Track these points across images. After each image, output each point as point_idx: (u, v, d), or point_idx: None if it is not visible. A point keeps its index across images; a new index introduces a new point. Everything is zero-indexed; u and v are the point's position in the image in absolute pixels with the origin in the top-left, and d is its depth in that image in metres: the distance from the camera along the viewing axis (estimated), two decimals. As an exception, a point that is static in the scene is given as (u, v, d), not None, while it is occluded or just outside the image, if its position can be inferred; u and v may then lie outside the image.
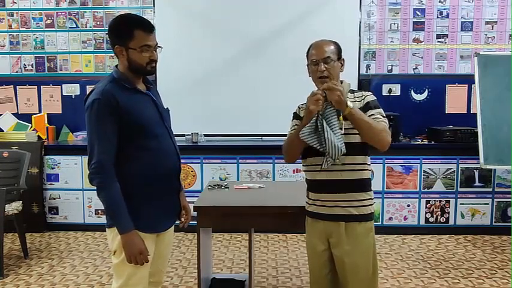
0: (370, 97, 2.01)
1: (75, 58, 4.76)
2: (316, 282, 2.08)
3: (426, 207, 4.31)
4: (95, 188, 1.79)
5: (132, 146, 1.83)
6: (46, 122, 4.72)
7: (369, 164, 2.04)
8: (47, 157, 4.43)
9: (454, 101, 4.62)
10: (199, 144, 4.43)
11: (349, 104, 1.85)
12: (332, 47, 1.98)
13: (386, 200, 4.32)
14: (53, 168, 4.44)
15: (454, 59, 4.60)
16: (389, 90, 4.61)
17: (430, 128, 4.47)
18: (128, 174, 1.82)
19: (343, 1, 4.50)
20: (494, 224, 4.30)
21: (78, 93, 4.74)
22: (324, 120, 1.88)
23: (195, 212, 2.38)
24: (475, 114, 3.85)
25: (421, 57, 4.62)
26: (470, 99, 4.57)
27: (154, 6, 4.57)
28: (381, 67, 4.63)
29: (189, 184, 4.36)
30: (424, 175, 4.29)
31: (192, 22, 4.57)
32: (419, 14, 4.58)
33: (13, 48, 4.78)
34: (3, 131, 4.70)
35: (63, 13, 4.72)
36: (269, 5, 4.50)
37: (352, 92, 2.04)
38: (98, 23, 4.71)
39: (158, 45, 1.89)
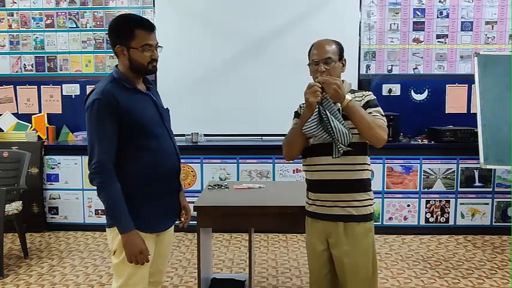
0: (370, 96, 2.01)
1: (75, 58, 4.76)
2: (316, 282, 2.08)
3: (426, 207, 4.31)
4: (95, 188, 1.79)
5: (132, 146, 1.83)
6: (46, 122, 4.73)
7: (369, 164, 2.04)
8: (47, 157, 4.43)
9: (454, 101, 4.62)
10: (199, 144, 4.43)
11: (347, 97, 1.86)
12: (334, 47, 1.98)
13: (386, 200, 4.32)
14: (53, 168, 4.44)
15: (454, 59, 4.60)
16: (389, 90, 4.61)
17: (430, 128, 4.47)
18: (128, 174, 1.82)
19: (343, 1, 4.50)
20: (494, 224, 4.30)
21: (78, 93, 4.74)
22: (326, 110, 1.88)
23: (195, 212, 2.38)
24: (475, 114, 3.85)
25: (421, 57, 4.62)
26: (470, 99, 4.57)
27: (154, 6, 4.57)
28: (381, 67, 4.63)
29: (189, 184, 4.36)
30: (424, 175, 4.29)
31: (192, 22, 4.57)
32: (419, 14, 4.58)
33: (13, 48, 4.78)
34: (3, 131, 4.70)
35: (63, 13, 4.72)
36: (269, 5, 4.50)
37: (353, 91, 2.04)
38: (98, 23, 4.71)
39: (158, 44, 1.90)
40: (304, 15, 4.48)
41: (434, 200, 4.30)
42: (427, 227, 4.31)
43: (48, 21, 4.74)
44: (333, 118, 1.87)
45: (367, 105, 1.97)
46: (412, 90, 4.64)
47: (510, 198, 4.24)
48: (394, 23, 4.60)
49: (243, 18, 4.52)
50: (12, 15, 4.75)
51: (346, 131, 1.87)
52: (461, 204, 4.30)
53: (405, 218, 4.33)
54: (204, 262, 2.59)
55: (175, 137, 2.03)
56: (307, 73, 2.06)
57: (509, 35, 4.56)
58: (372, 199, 2.03)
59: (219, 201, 2.59)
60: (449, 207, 4.30)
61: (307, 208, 2.09)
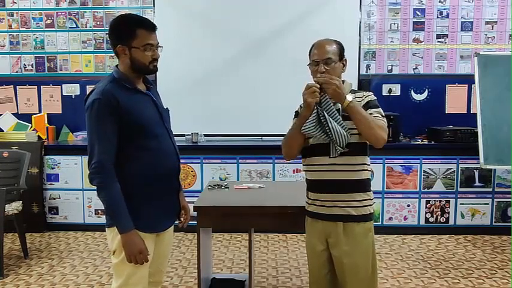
0: (371, 97, 2.01)
1: (75, 58, 4.76)
2: (316, 282, 2.08)
3: (426, 207, 4.31)
4: (95, 188, 1.79)
5: (132, 146, 1.83)
6: (46, 122, 4.72)
7: (369, 164, 2.04)
8: (47, 157, 4.43)
9: (454, 101, 4.62)
10: (199, 144, 4.43)
11: (348, 97, 1.86)
12: (334, 47, 1.98)
13: (386, 200, 4.32)
14: (53, 168, 4.44)
15: (454, 59, 4.60)
16: (389, 90, 4.61)
17: (430, 128, 4.47)
18: (128, 174, 1.82)
19: (343, 1, 4.50)
20: (494, 224, 4.30)
21: (78, 93, 4.74)
22: (324, 111, 1.88)
23: (195, 212, 2.38)
24: (475, 114, 3.85)
25: (421, 57, 4.62)
26: (470, 99, 4.57)
27: (154, 6, 4.57)
28: (381, 67, 4.63)
29: (189, 184, 4.36)
30: (424, 175, 4.29)
31: (192, 22, 4.57)
32: (419, 14, 4.58)
33: (13, 48, 4.78)
34: (3, 131, 4.70)
35: (63, 13, 4.72)
36: (269, 5, 4.50)
37: (354, 92, 2.04)
38: (98, 23, 4.71)
39: (159, 44, 1.90)
40: (304, 15, 4.48)
41: (434, 200, 4.30)
42: (427, 227, 4.31)
43: (48, 21, 4.74)
44: (330, 119, 1.87)
45: (367, 105, 1.97)
46: (412, 90, 4.64)
47: (510, 198, 4.24)
48: (394, 23, 4.60)
49: (243, 18, 4.52)
50: (12, 15, 4.75)
51: (344, 132, 1.87)
52: (461, 204, 4.30)
53: (405, 218, 4.33)
54: (204, 262, 2.59)
55: (175, 137, 2.03)
56: (307, 73, 2.05)
57: (509, 35, 4.56)
58: (371, 199, 2.03)
59: (219, 201, 2.59)
60: (449, 207, 4.30)
61: (307, 208, 2.09)
